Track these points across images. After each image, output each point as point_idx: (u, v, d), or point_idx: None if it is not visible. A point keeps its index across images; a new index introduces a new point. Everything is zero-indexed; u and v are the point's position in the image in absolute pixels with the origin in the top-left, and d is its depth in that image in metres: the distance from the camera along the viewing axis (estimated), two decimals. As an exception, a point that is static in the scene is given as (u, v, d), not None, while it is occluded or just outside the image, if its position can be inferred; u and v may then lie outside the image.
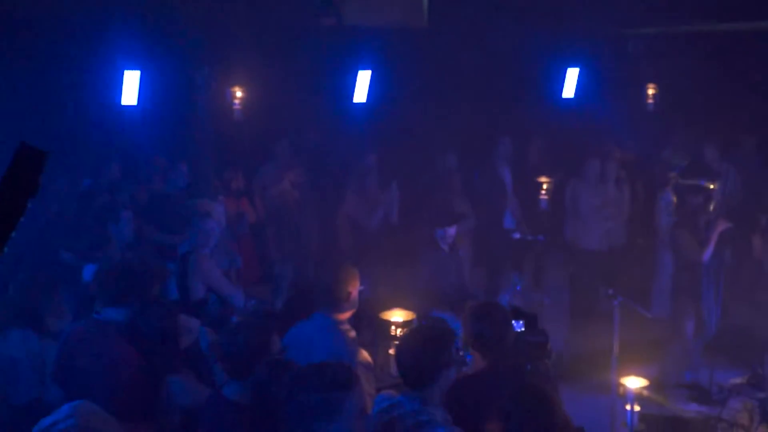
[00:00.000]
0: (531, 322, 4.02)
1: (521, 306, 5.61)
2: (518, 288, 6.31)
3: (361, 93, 8.73)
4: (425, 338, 3.33)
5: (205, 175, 7.95)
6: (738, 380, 6.46)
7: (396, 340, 4.84)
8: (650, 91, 9.22)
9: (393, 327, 4.99)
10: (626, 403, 5.21)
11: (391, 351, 4.82)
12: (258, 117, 8.20)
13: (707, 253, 6.87)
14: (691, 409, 6.72)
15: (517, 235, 7.32)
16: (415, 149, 8.94)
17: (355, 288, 4.16)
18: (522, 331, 3.98)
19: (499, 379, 3.58)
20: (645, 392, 5.35)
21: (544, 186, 7.71)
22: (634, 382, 5.26)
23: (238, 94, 7.90)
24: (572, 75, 9.61)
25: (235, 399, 3.27)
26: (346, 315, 4.20)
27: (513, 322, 3.97)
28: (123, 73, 7.56)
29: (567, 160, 8.74)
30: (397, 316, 5.07)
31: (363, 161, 8.48)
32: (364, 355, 4.05)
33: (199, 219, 5.80)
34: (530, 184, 8.14)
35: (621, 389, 5.43)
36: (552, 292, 8.32)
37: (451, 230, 6.68)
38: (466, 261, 7.66)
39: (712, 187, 7.27)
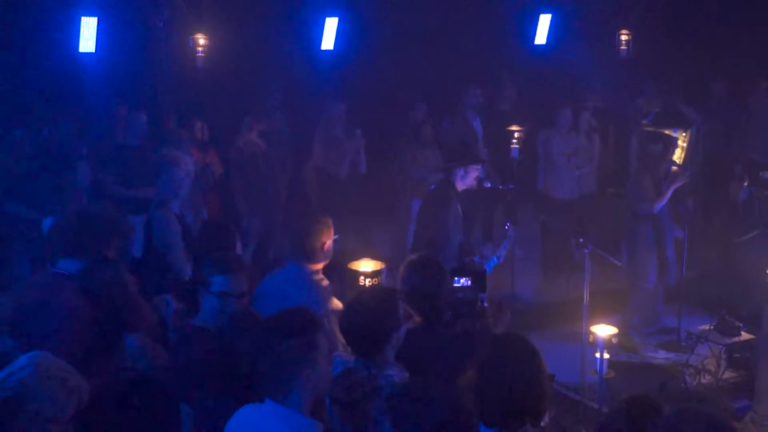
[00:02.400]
0: (478, 279, 3.91)
1: (474, 263, 5.50)
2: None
3: (328, 40, 8.53)
4: (369, 308, 3.20)
5: (167, 125, 7.73)
6: (706, 327, 6.54)
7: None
8: (623, 38, 9.10)
9: (362, 277, 4.91)
10: (596, 350, 5.25)
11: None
12: (222, 65, 7.95)
13: (658, 206, 6.73)
14: (660, 356, 6.80)
15: (488, 184, 7.21)
16: (384, 98, 8.76)
17: (329, 238, 4.15)
18: (457, 288, 3.87)
19: (433, 335, 3.52)
20: (614, 340, 5.39)
21: (516, 135, 7.59)
22: (603, 330, 5.29)
23: (201, 41, 7.62)
24: (544, 21, 9.44)
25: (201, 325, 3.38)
26: (319, 266, 4.17)
27: (457, 279, 3.87)
28: (80, 20, 7.31)
29: (539, 109, 8.64)
30: (366, 266, 4.98)
31: (331, 110, 8.29)
32: (337, 303, 4.03)
33: (168, 168, 5.56)
34: (501, 133, 8.02)
35: (591, 337, 5.46)
36: (524, 243, 8.29)
37: (478, 168, 6.09)
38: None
39: (684, 135, 7.21)
